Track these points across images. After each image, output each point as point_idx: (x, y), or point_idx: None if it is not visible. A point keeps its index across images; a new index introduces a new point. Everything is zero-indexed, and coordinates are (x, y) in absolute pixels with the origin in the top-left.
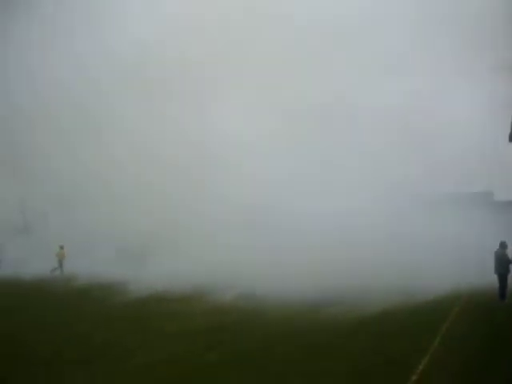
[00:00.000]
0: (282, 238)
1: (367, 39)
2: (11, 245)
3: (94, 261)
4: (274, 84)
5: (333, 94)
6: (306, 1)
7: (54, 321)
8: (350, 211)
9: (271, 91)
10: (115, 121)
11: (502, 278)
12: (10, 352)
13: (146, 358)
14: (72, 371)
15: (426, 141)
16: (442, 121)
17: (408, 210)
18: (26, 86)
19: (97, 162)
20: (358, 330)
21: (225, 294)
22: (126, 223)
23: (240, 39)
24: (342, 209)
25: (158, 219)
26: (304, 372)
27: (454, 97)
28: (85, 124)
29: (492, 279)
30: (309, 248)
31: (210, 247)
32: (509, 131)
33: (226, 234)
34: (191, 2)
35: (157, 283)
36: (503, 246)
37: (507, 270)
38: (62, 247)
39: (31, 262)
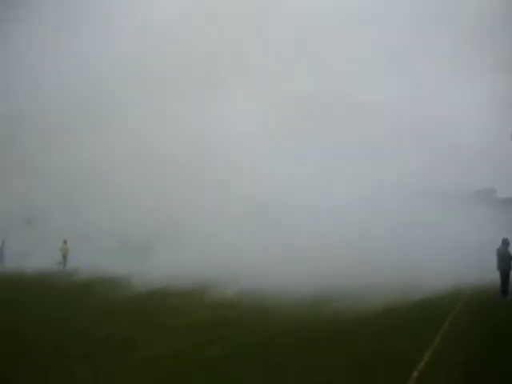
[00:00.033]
0: (284, 234)
1: (368, 37)
2: (14, 239)
3: (97, 255)
4: (274, 81)
5: (333, 92)
6: None
7: (57, 315)
8: (351, 208)
9: (271, 88)
10: (116, 119)
11: (504, 275)
12: (12, 346)
13: (149, 352)
14: (74, 365)
15: (428, 138)
16: (443, 118)
17: (410, 207)
18: (27, 85)
19: (98, 159)
20: (359, 326)
21: (227, 290)
22: (128, 219)
23: (240, 38)
24: (343, 206)
25: (160, 215)
26: (304, 366)
27: (455, 94)
28: (86, 122)
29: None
30: (310, 244)
31: (212, 243)
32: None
33: (228, 230)
34: (192, 0)
35: (159, 278)
36: (505, 243)
37: (509, 267)
38: (65, 242)
39: (34, 257)
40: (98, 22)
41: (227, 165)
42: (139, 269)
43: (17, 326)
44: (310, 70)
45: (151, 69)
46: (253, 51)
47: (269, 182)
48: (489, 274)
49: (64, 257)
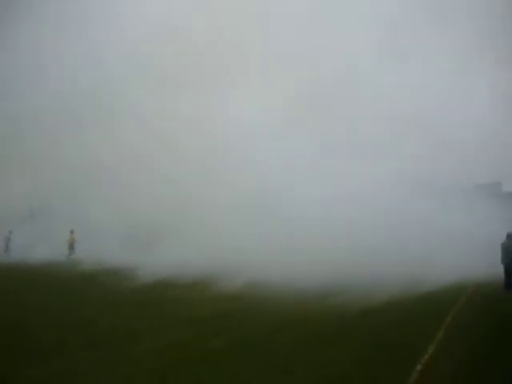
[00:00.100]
0: (290, 226)
1: (369, 36)
2: (20, 231)
3: (102, 246)
4: (283, 73)
5: (340, 85)
6: None
7: (60, 306)
8: (356, 200)
9: (280, 80)
10: (126, 110)
11: (508, 269)
12: (16, 337)
13: (153, 344)
14: (78, 356)
15: (435, 131)
16: (450, 112)
17: (415, 199)
18: (37, 76)
19: (106, 151)
20: (364, 319)
21: (231, 281)
22: (133, 210)
23: (250, 30)
24: (348, 198)
25: (165, 207)
26: (309, 359)
27: (461, 88)
28: (95, 113)
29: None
30: (315, 236)
31: (217, 234)
32: None
33: (234, 222)
34: None
35: (164, 269)
36: (510, 237)
37: None
38: (72, 231)
39: (39, 248)
40: (112, 11)
41: (235, 155)
42: (144, 260)
43: (21, 317)
44: (319, 62)
45: (163, 59)
46: (264, 43)
47: (274, 174)
48: (493, 267)
49: (71, 246)
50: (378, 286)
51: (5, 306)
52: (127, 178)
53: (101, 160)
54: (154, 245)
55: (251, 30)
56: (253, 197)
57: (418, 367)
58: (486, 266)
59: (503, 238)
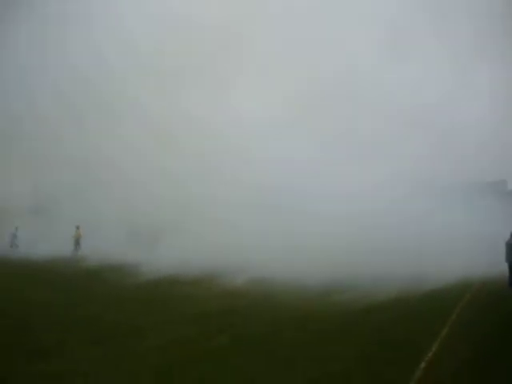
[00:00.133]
0: (294, 223)
1: (370, 35)
2: (25, 227)
3: (106, 243)
4: (283, 73)
5: (340, 84)
6: None
7: (65, 302)
8: (361, 197)
9: (280, 80)
10: (127, 109)
11: None
12: (19, 333)
13: (157, 340)
14: (82, 352)
15: (435, 131)
16: (451, 111)
17: (420, 197)
18: (41, 74)
19: (111, 148)
20: (368, 316)
21: (236, 278)
22: (138, 207)
23: (250, 30)
24: (353, 195)
25: (169, 204)
26: (313, 356)
27: (461, 88)
28: (100, 110)
29: (503, 268)
30: (320, 233)
31: (222, 231)
32: None
33: (238, 218)
34: None
35: (169, 266)
36: None
37: None
38: (78, 227)
39: (45, 244)
40: (114, 10)
41: (239, 151)
42: (148, 257)
43: (24, 312)
44: (321, 59)
45: (156, 63)
46: (266, 41)
47: (275, 173)
48: (498, 265)
49: (77, 242)
50: (382, 284)
51: (9, 302)
52: (130, 176)
53: (103, 158)
54: (158, 241)
55: (251, 30)
56: (254, 195)
57: (422, 364)
58: (490, 264)
59: (508, 236)
